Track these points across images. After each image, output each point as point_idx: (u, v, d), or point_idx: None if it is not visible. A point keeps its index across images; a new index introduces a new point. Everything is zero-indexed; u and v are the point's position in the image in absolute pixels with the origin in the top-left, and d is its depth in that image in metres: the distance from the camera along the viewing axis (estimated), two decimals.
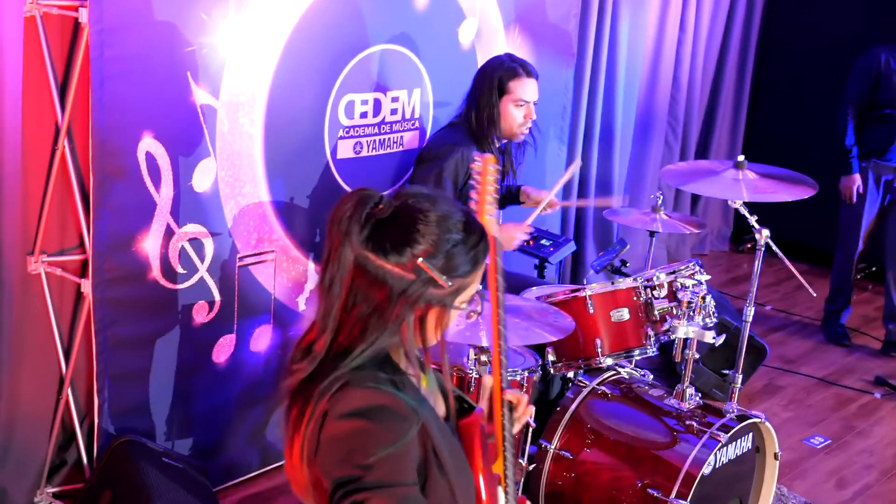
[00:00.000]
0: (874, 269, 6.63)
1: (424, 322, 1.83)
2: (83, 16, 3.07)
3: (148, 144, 3.30)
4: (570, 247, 4.60)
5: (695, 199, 7.08)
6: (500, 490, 2.10)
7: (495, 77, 3.82)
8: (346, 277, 1.78)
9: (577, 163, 5.06)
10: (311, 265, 3.96)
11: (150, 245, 3.39)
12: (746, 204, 3.74)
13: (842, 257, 5.76)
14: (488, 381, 2.14)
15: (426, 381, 1.94)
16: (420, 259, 1.77)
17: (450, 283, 1.79)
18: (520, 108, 3.85)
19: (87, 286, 3.31)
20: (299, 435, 1.79)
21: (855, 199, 5.51)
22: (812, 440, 4.60)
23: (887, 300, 5.66)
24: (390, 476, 1.69)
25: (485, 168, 2.15)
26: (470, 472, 1.94)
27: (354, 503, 1.67)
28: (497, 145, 3.93)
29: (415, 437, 1.76)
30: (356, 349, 1.78)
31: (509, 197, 4.20)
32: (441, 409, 1.99)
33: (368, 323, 1.78)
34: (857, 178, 5.48)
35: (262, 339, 3.87)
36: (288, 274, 3.89)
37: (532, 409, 2.18)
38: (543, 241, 4.52)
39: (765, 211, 3.91)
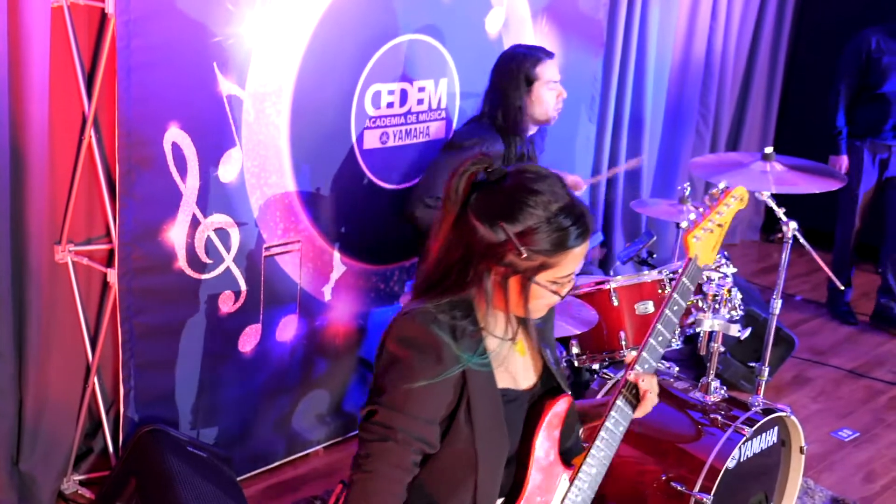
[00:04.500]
0: None
1: (506, 287, 1.99)
2: (110, 6, 3.08)
3: (174, 135, 3.31)
4: (598, 237, 4.59)
5: None
6: (564, 478, 2.17)
7: (521, 69, 3.80)
8: (447, 227, 2.00)
9: (640, 159, 5.15)
10: (337, 255, 3.97)
11: (175, 235, 3.41)
12: (775, 196, 3.70)
13: (841, 236, 5.86)
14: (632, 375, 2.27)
15: (521, 349, 2.14)
16: (503, 223, 1.93)
17: (525, 254, 1.93)
18: (552, 89, 3.86)
19: (113, 275, 3.34)
20: None
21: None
22: (840, 433, 4.56)
23: (883, 276, 5.81)
24: (405, 405, 1.94)
25: (727, 198, 2.37)
26: (506, 438, 2.06)
27: (369, 412, 1.97)
28: (529, 134, 3.93)
29: (449, 382, 1.96)
30: (437, 290, 2.00)
31: None
32: (529, 380, 2.15)
33: (452, 271, 2.00)
34: (845, 158, 5.60)
35: (288, 329, 3.88)
36: (314, 264, 3.89)
37: (655, 398, 2.27)
38: None
39: (795, 201, 3.86)
